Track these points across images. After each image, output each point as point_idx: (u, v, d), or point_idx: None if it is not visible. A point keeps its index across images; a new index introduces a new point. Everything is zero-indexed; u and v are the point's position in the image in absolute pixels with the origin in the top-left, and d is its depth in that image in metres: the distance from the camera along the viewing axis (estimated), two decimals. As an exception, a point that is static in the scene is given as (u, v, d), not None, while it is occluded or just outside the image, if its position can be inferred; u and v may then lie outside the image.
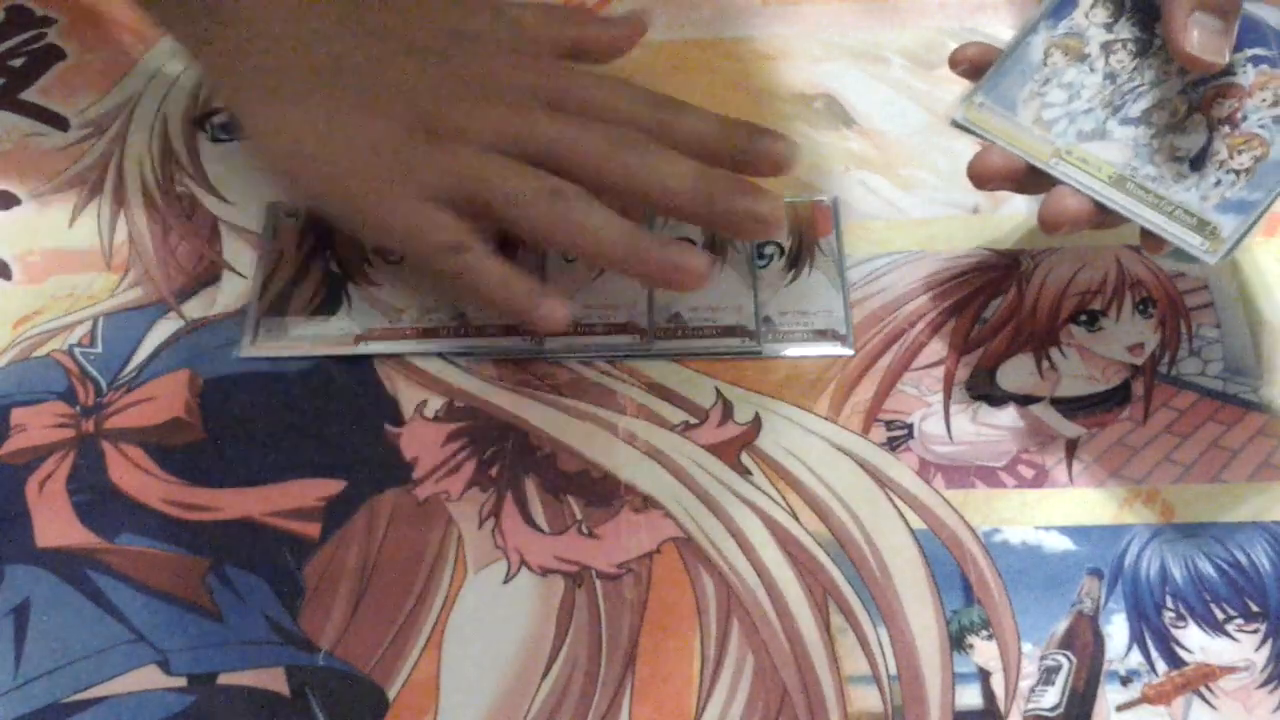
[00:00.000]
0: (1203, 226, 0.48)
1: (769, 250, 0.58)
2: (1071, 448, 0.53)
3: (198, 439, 0.53)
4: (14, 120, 0.64)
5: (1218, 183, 0.48)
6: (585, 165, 0.51)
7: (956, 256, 0.58)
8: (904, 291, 0.57)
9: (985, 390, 0.55)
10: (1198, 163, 0.49)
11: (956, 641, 0.48)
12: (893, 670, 0.48)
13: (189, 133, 0.63)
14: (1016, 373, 0.55)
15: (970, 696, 0.47)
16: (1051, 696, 0.47)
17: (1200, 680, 0.47)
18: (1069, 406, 0.54)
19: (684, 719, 0.47)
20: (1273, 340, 0.56)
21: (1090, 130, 0.50)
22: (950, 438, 0.53)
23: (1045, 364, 0.55)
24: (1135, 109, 0.50)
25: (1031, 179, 0.51)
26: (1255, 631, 0.48)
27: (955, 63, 0.53)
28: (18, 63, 0.66)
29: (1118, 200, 0.49)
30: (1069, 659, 0.48)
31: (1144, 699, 0.47)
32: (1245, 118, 0.49)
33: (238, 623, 0.49)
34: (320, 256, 0.58)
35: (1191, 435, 0.53)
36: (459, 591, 0.50)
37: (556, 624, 0.49)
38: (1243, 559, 0.50)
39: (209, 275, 0.58)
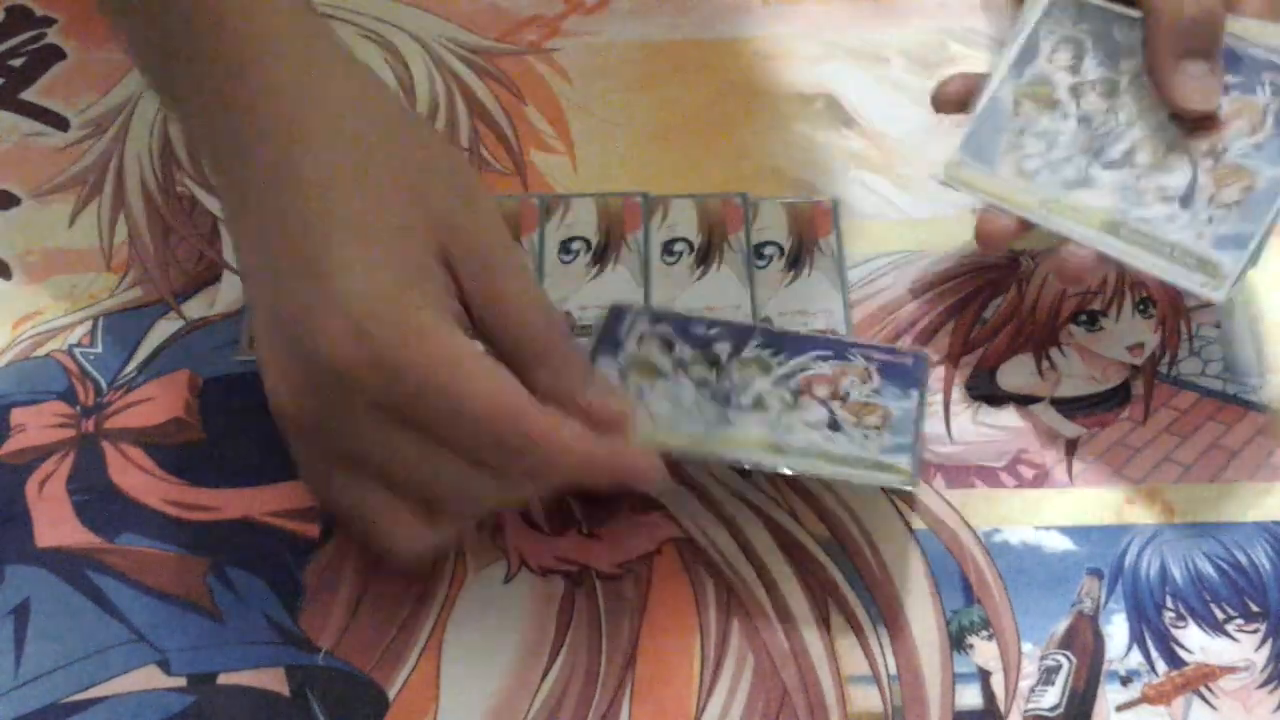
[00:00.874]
0: (1203, 265, 0.48)
1: (769, 250, 0.58)
2: (1071, 448, 0.53)
3: (197, 439, 0.53)
4: (14, 120, 0.64)
5: (1210, 219, 0.48)
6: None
7: (957, 256, 0.58)
8: (904, 291, 0.57)
9: (985, 390, 0.55)
10: (1186, 200, 0.49)
11: (956, 641, 0.48)
12: (893, 670, 0.48)
13: (189, 133, 0.63)
14: (1016, 373, 0.55)
15: (970, 696, 0.47)
16: (1051, 696, 0.47)
17: (1200, 680, 0.47)
18: (1069, 406, 0.54)
19: (684, 719, 0.47)
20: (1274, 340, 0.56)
21: (1073, 178, 0.50)
22: (950, 438, 0.53)
23: (1045, 364, 0.55)
24: (1115, 151, 0.50)
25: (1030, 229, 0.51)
26: (1255, 631, 0.48)
27: (940, 103, 0.54)
28: (18, 63, 0.66)
29: (1114, 246, 0.49)
30: (1069, 659, 0.48)
31: (1144, 699, 0.47)
32: (1226, 149, 0.48)
33: (238, 623, 0.49)
34: (320, 256, 0.58)
35: (1191, 435, 0.53)
36: (459, 591, 0.50)
37: (556, 623, 0.49)
38: (1243, 559, 0.50)
39: (209, 275, 0.58)
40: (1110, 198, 0.49)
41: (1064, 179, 0.50)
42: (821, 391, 0.51)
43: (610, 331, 0.52)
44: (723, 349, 0.52)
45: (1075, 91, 0.51)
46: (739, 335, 0.52)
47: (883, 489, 0.51)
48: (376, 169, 0.42)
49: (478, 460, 0.42)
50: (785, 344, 0.52)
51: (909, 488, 0.49)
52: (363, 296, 0.40)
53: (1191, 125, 0.50)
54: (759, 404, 0.50)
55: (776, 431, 0.49)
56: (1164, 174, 0.49)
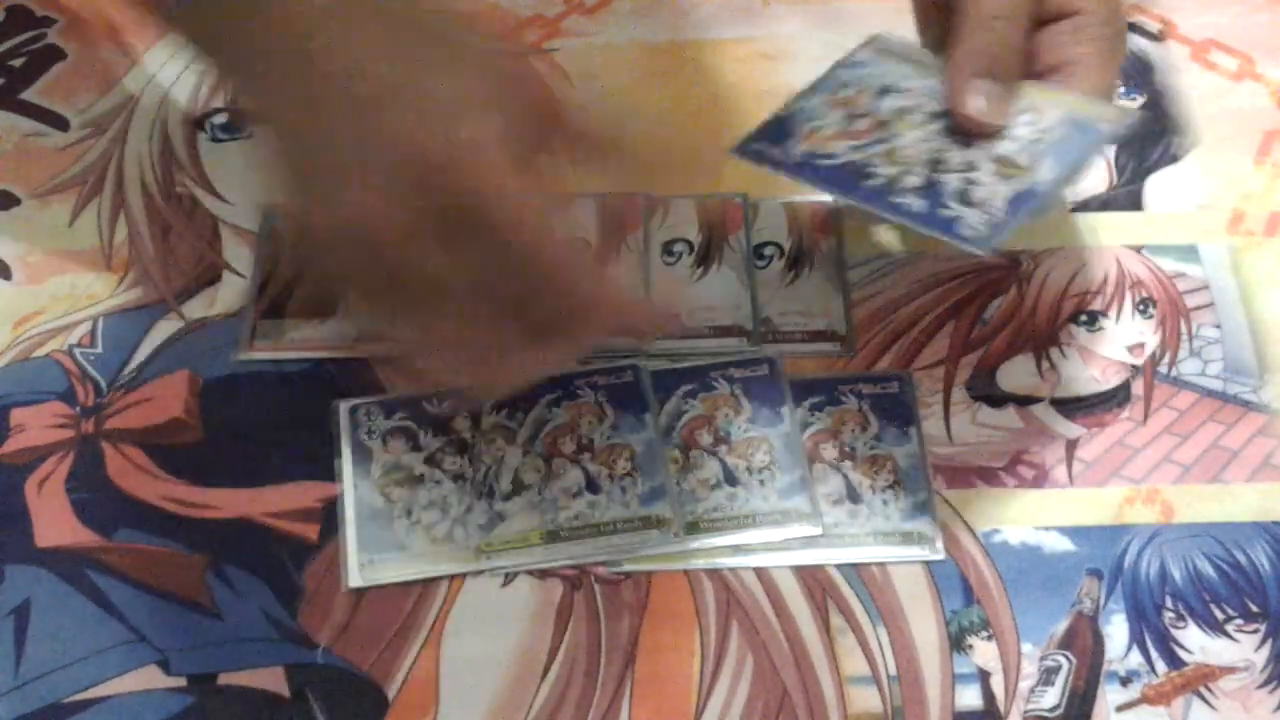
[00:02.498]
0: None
1: (769, 251, 0.58)
2: (1071, 448, 0.53)
3: (197, 439, 0.53)
4: (14, 120, 0.64)
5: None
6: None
7: (956, 257, 0.58)
8: (904, 292, 0.57)
9: (985, 390, 0.55)
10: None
11: (956, 642, 0.48)
12: (893, 671, 0.48)
13: (189, 133, 0.63)
14: (1016, 373, 0.55)
15: (970, 697, 0.47)
16: (1051, 697, 0.47)
17: (1200, 680, 0.47)
18: (1069, 406, 0.54)
19: (684, 719, 0.47)
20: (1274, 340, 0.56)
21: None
22: (950, 438, 0.53)
23: (1045, 364, 0.55)
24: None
25: None
26: (1255, 632, 0.48)
27: None
28: (18, 63, 0.66)
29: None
30: (1069, 659, 0.48)
31: (1144, 699, 0.47)
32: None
33: (237, 621, 0.49)
34: (320, 257, 0.58)
35: (1191, 435, 0.53)
36: (458, 591, 0.50)
37: (555, 623, 0.49)
38: (1243, 559, 0.50)
39: (209, 275, 0.58)
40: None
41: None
42: (830, 453, 0.52)
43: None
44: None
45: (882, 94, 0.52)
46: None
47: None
48: (428, 35, 0.45)
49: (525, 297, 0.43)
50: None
51: (940, 558, 0.50)
52: (446, 113, 0.42)
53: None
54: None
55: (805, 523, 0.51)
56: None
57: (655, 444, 0.52)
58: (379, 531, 0.50)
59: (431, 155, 0.42)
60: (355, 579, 0.50)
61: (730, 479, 0.51)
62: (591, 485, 0.51)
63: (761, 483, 0.51)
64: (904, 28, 0.52)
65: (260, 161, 0.46)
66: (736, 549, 0.50)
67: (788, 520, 0.50)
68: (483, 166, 0.42)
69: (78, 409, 0.54)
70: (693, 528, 0.50)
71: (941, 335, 0.56)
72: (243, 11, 0.44)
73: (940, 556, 0.50)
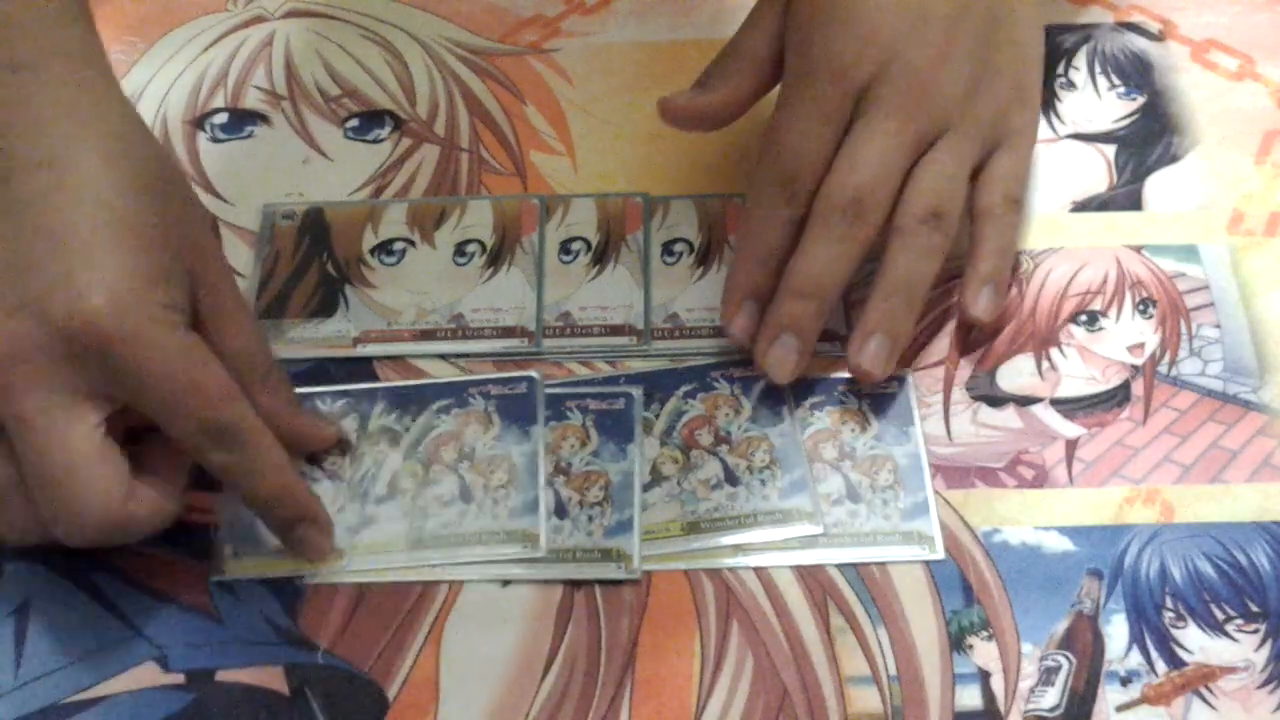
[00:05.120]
0: None
1: (769, 250, 0.58)
2: (1071, 448, 0.53)
3: (197, 439, 0.53)
4: (14, 120, 0.64)
5: None
6: None
7: (957, 257, 0.58)
8: (904, 291, 0.57)
9: (985, 390, 0.55)
10: None
11: (956, 642, 0.48)
12: (893, 671, 0.48)
13: (189, 133, 0.63)
14: (1016, 373, 0.55)
15: (970, 697, 0.47)
16: (1051, 697, 0.47)
17: (1200, 680, 0.47)
18: (1069, 406, 0.54)
19: (684, 719, 0.47)
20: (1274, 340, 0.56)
21: None
22: (950, 438, 0.53)
23: (1045, 364, 0.55)
24: None
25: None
26: (1255, 631, 0.48)
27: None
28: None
29: None
30: (1069, 659, 0.48)
31: (1144, 699, 0.47)
32: None
33: (237, 623, 0.49)
34: (317, 258, 0.58)
35: (1191, 435, 0.53)
36: (459, 591, 0.50)
37: (556, 623, 0.49)
38: (1243, 559, 0.50)
39: (209, 275, 0.58)
40: None
41: None
42: (830, 453, 0.52)
43: None
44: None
45: None
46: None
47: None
48: (132, 187, 0.46)
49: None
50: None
51: (940, 558, 0.50)
52: (117, 274, 0.44)
53: None
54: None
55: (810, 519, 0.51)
56: None
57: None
58: (246, 524, 0.50)
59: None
60: (221, 571, 0.50)
61: (731, 478, 0.51)
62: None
63: (762, 482, 0.51)
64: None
65: None
66: (737, 549, 0.50)
67: (789, 519, 0.50)
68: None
69: (78, 409, 0.54)
70: (693, 527, 0.50)
71: (941, 335, 0.56)
72: None
73: (940, 556, 0.50)
